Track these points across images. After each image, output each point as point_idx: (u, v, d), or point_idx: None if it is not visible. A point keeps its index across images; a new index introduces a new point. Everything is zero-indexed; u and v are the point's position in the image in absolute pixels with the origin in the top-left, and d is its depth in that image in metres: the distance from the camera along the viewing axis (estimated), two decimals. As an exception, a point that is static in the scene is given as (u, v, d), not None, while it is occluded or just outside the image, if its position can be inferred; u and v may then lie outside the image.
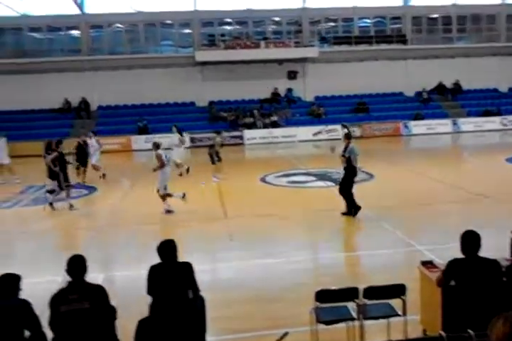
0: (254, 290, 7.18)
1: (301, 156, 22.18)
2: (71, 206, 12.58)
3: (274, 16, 31.30)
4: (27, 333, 4.41)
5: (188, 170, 16.54)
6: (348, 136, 11.14)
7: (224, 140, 17.35)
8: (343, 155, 10.69)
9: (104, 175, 16.83)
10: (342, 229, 10.20)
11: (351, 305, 5.27)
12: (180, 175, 16.39)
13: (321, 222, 10.64)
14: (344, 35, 31.63)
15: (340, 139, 26.78)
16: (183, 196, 12.02)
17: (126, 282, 7.64)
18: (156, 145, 11.78)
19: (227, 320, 6.14)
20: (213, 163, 16.76)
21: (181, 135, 17.66)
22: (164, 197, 11.71)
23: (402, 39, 31.68)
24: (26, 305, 4.40)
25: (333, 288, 5.28)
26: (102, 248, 9.68)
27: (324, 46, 31.04)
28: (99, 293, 4.49)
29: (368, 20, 32.05)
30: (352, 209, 10.61)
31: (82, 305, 4.32)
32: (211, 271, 8.24)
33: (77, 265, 4.52)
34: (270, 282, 7.52)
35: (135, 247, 9.39)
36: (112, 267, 8.71)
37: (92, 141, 17.31)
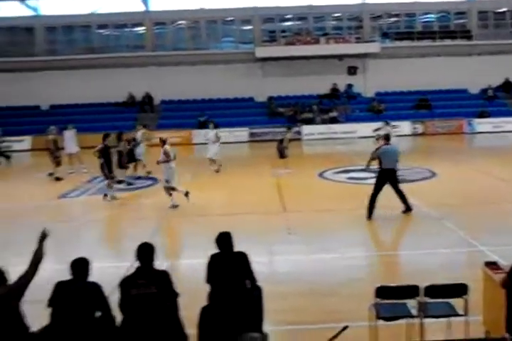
0: (310, 283, 7.25)
1: (361, 152, 21.84)
2: (105, 196, 13.09)
3: (335, 12, 31.06)
4: (97, 314, 4.67)
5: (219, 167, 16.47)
6: (386, 137, 10.75)
7: (293, 135, 17.26)
8: (372, 155, 10.48)
9: (149, 172, 16.49)
10: (402, 226, 10.09)
11: (411, 303, 5.25)
12: (217, 171, 16.51)
13: (379, 218, 10.54)
14: (406, 30, 31.00)
15: (402, 135, 26.59)
16: (186, 193, 12.02)
17: (185, 270, 7.89)
18: (163, 141, 12.10)
19: (283, 312, 6.23)
20: (282, 157, 16.69)
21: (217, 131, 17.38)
22: (169, 190, 11.89)
23: (466, 35, 30.70)
24: (97, 287, 4.66)
25: (394, 284, 5.27)
26: (163, 237, 10.00)
27: (386, 41, 30.52)
28: (164, 278, 4.72)
29: (432, 15, 31.26)
30: (369, 208, 10.35)
31: (150, 289, 4.55)
32: (268, 263, 8.36)
33: (146, 252, 4.77)
34: (326, 277, 7.57)
35: (194, 237, 9.65)
36: (173, 255, 8.99)
37: (138, 134, 17.62)
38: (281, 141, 16.92)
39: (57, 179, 16.18)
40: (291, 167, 16.46)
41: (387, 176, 10.28)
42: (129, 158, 16.06)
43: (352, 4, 30.27)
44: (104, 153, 13.16)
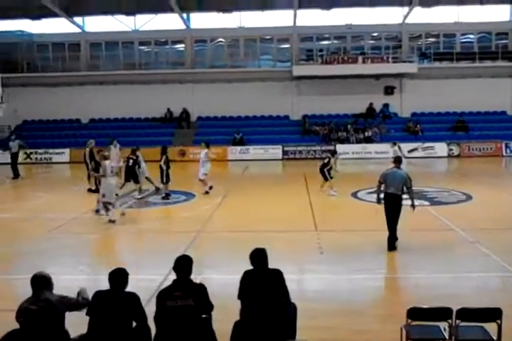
0: (342, 303, 7.26)
1: (395, 173, 21.79)
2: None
3: (373, 32, 31.15)
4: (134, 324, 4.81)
5: (210, 188, 16.16)
6: (396, 160, 10.03)
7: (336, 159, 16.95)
8: (379, 180, 9.74)
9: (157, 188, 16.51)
10: (434, 249, 9.97)
11: (443, 325, 5.23)
12: (207, 192, 16.09)
13: (411, 240, 10.45)
14: (445, 51, 30.80)
15: (437, 157, 26.33)
16: (123, 213, 12.78)
17: (217, 285, 8.00)
18: (104, 156, 12.85)
19: (314, 329, 6.23)
20: (327, 179, 16.05)
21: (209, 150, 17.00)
22: (105, 204, 12.36)
23: (508, 56, 30.29)
24: (136, 297, 4.80)
25: (426, 306, 5.27)
26: (197, 251, 10.15)
27: (424, 62, 30.40)
28: (201, 291, 4.81)
29: (472, 36, 31.00)
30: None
31: (187, 301, 4.64)
32: (300, 281, 8.40)
33: (184, 264, 4.86)
34: (357, 296, 7.57)
35: (226, 253, 9.78)
36: (203, 270, 9.12)
37: (116, 150, 18.25)
38: (324, 165, 16.12)
39: (90, 191, 16.41)
40: (324, 187, 16.42)
41: (389, 201, 9.61)
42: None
43: (391, 24, 30.33)
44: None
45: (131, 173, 15.68)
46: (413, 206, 9.66)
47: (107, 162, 12.55)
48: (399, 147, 17.37)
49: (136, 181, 15.80)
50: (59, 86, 30.40)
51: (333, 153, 17.20)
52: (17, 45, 31.43)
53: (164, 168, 15.38)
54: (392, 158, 10.65)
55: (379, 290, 7.75)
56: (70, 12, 29.41)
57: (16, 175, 20.89)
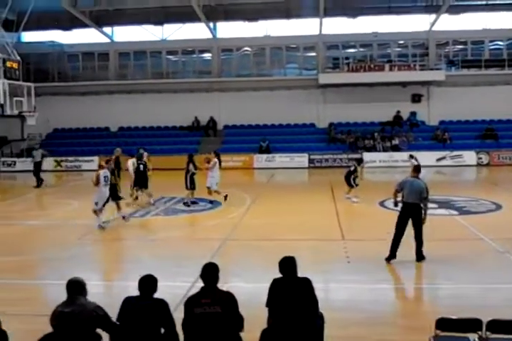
0: (369, 313, 7.21)
1: (422, 182, 21.57)
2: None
3: (400, 39, 31.00)
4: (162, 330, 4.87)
5: (226, 198, 16.02)
6: (416, 169, 9.86)
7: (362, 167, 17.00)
8: (396, 188, 9.68)
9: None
10: (462, 259, 9.83)
11: (472, 337, 5.17)
12: (226, 198, 16.02)
13: (439, 250, 10.35)
14: (473, 58, 30.44)
15: (466, 165, 25.94)
16: (102, 226, 12.67)
17: (244, 293, 8.03)
18: (100, 165, 13.41)
19: (342, 339, 6.22)
20: (352, 186, 16.15)
21: (220, 161, 17.00)
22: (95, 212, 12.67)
23: (537, 62, 29.81)
24: (164, 304, 4.85)
25: (455, 317, 5.22)
26: (222, 259, 10.20)
27: (451, 69, 30.10)
28: (230, 299, 4.83)
29: (500, 43, 30.59)
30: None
31: (215, 309, 4.67)
32: (327, 291, 8.37)
33: (211, 272, 4.90)
34: (385, 306, 7.51)
35: (252, 261, 9.81)
36: (230, 278, 9.17)
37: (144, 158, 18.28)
38: (351, 172, 16.21)
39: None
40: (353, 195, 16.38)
41: (409, 211, 9.40)
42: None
43: (418, 31, 30.13)
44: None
45: (142, 178, 15.84)
46: (423, 219, 9.40)
47: (100, 172, 12.84)
48: (415, 159, 17.01)
49: (146, 186, 15.97)
50: (88, 95, 31.02)
51: (360, 161, 17.25)
52: (48, 55, 32.24)
53: (190, 174, 15.68)
54: (413, 167, 10.47)
55: (406, 300, 7.69)
56: (99, 22, 30.06)
57: (39, 183, 21.10)
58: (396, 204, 9.72)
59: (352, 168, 16.30)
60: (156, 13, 29.59)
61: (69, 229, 12.96)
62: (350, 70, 29.09)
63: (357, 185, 16.09)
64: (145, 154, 18.08)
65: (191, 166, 15.85)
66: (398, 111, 29.70)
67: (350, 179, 16.07)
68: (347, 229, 12.35)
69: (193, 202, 15.87)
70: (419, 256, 9.39)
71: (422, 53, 30.80)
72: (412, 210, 9.36)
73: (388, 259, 9.34)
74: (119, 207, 13.64)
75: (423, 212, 9.39)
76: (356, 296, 8.09)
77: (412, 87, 29.66)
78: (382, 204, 15.66)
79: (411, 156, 17.08)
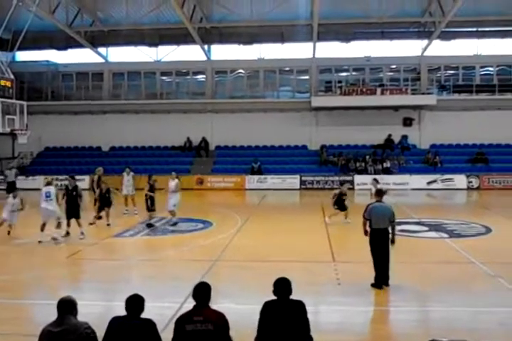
0: (359, 335, 7.14)
1: (414, 205, 21.67)
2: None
3: (392, 64, 31.45)
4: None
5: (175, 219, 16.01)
6: (379, 193, 9.69)
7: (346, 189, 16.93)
8: (364, 216, 9.41)
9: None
10: (453, 282, 9.79)
11: (463, 361, 5.12)
12: (175, 224, 15.87)
13: (430, 273, 10.33)
14: (464, 83, 30.90)
15: (457, 189, 26.08)
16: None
17: (232, 315, 7.92)
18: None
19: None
20: (342, 209, 15.99)
21: (180, 180, 16.65)
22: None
23: (527, 88, 30.27)
24: (152, 324, 4.78)
25: (446, 339, 5.17)
26: (212, 280, 10.09)
27: (443, 94, 30.50)
28: (222, 318, 4.76)
29: (491, 69, 31.11)
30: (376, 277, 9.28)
31: (207, 326, 4.59)
32: (316, 313, 8.28)
33: (202, 291, 4.84)
34: (375, 329, 7.43)
35: (242, 282, 9.70)
36: (219, 300, 9.06)
37: (128, 177, 18.36)
38: (341, 195, 16.07)
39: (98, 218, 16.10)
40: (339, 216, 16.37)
41: (381, 237, 9.25)
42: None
43: (410, 56, 30.61)
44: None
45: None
46: (393, 241, 9.32)
47: (43, 188, 13.76)
48: (376, 181, 16.54)
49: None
50: (81, 114, 31.09)
51: (342, 183, 17.47)
52: (43, 74, 32.43)
53: (148, 196, 15.53)
54: (375, 191, 10.10)
55: (398, 322, 7.62)
56: (94, 43, 30.30)
57: None
58: (366, 233, 9.48)
59: (337, 191, 16.28)
60: (150, 35, 29.89)
61: (58, 248, 12.82)
62: (343, 94, 29.39)
63: (345, 208, 16.03)
64: (129, 175, 18.15)
65: (148, 187, 15.63)
66: (390, 135, 29.95)
67: (343, 202, 15.99)
68: (338, 250, 12.30)
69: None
70: (380, 284, 9.22)
71: (414, 78, 31.24)
72: (383, 235, 9.26)
73: (378, 286, 9.16)
74: (78, 224, 13.85)
75: (391, 236, 9.29)
76: (347, 319, 8.01)
77: (404, 111, 29.99)
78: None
79: (375, 180, 16.74)
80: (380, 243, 9.26)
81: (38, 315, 8.36)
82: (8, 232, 14.09)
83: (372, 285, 9.25)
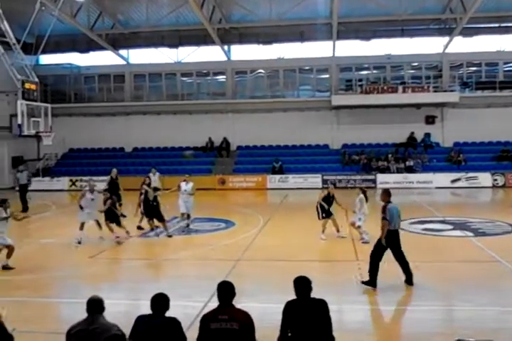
0: (383, 335, 7.10)
1: (438, 203, 21.44)
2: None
3: (413, 61, 31.11)
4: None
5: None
6: (388, 193, 9.49)
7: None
8: (386, 218, 9.08)
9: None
10: (479, 281, 9.67)
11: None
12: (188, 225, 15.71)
13: (456, 272, 10.21)
14: (487, 79, 30.42)
15: (481, 187, 25.69)
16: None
17: (255, 314, 7.94)
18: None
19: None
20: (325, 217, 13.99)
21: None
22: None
23: (552, 84, 29.70)
24: (177, 323, 4.83)
25: (472, 339, 5.11)
26: (235, 280, 10.12)
27: (465, 91, 30.08)
28: (247, 318, 4.78)
29: (515, 65, 30.60)
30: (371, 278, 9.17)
31: (232, 325, 4.62)
32: (339, 312, 8.24)
33: (226, 290, 4.88)
34: (399, 328, 7.38)
35: (265, 282, 9.73)
36: (242, 299, 9.09)
37: (154, 178, 18.27)
38: (329, 197, 13.98)
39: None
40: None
41: (396, 238, 9.21)
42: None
43: (431, 54, 30.26)
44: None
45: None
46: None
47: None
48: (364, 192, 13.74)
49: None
50: (104, 115, 31.45)
51: (333, 183, 15.63)
52: (66, 77, 32.88)
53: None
54: (384, 191, 9.73)
55: (422, 322, 7.54)
56: (115, 45, 30.59)
57: (25, 208, 19.85)
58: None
59: (324, 193, 14.08)
60: (170, 36, 30.08)
61: (82, 248, 12.99)
62: (364, 92, 29.16)
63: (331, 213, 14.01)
64: (155, 175, 18.22)
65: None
66: (412, 133, 29.66)
67: (330, 206, 13.89)
68: (361, 249, 12.21)
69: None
70: (409, 278, 9.21)
71: (436, 75, 30.86)
72: (398, 237, 9.27)
73: (373, 284, 9.10)
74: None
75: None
76: (370, 318, 7.97)
77: (426, 109, 29.66)
78: (396, 225, 15.52)
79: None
80: (397, 243, 9.24)
81: (62, 314, 8.51)
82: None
83: (366, 282, 9.15)
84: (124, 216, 15.86)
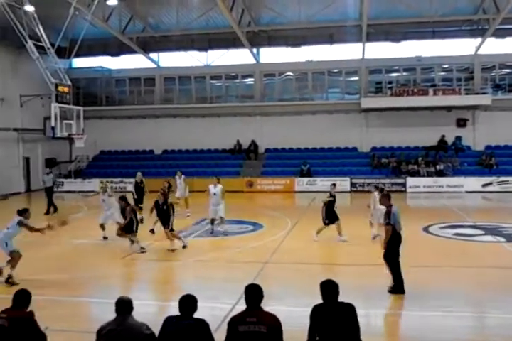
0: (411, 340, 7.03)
1: (469, 208, 21.10)
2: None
3: (444, 63, 30.69)
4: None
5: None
6: (389, 196, 9.38)
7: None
8: (389, 223, 8.97)
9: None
10: (511, 288, 9.50)
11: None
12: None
13: (487, 278, 10.04)
14: (521, 82, 29.82)
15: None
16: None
17: (282, 318, 7.95)
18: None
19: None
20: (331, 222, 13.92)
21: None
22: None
23: None
24: (205, 324, 4.86)
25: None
26: (263, 282, 10.15)
27: (498, 93, 29.53)
28: (276, 321, 4.78)
29: (549, 66, 29.90)
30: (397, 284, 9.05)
31: (260, 328, 4.63)
32: (367, 317, 8.20)
33: (254, 292, 4.90)
34: (429, 334, 7.28)
35: (293, 285, 9.74)
36: (270, 302, 9.10)
37: (180, 181, 18.52)
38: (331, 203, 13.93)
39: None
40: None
41: (399, 242, 9.10)
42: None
43: (462, 55, 29.81)
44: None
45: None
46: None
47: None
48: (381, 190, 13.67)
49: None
50: (134, 118, 31.91)
51: (334, 184, 15.41)
52: (97, 80, 33.51)
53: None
54: (385, 194, 9.63)
55: (451, 328, 7.43)
56: (146, 48, 31.01)
57: (49, 210, 19.86)
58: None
59: (328, 198, 13.87)
60: (200, 40, 30.32)
61: (113, 249, 13.20)
62: (394, 94, 28.90)
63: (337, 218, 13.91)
64: (180, 178, 18.46)
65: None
66: (443, 136, 29.23)
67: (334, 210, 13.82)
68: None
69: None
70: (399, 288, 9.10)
71: (467, 77, 30.37)
72: (400, 240, 9.15)
73: (401, 291, 8.97)
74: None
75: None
76: (400, 323, 7.90)
77: (457, 112, 29.21)
78: (426, 230, 15.36)
79: (377, 187, 15.45)
80: (397, 247, 9.14)
81: (94, 313, 8.67)
82: None
83: (393, 291, 9.02)
84: (142, 221, 15.18)
